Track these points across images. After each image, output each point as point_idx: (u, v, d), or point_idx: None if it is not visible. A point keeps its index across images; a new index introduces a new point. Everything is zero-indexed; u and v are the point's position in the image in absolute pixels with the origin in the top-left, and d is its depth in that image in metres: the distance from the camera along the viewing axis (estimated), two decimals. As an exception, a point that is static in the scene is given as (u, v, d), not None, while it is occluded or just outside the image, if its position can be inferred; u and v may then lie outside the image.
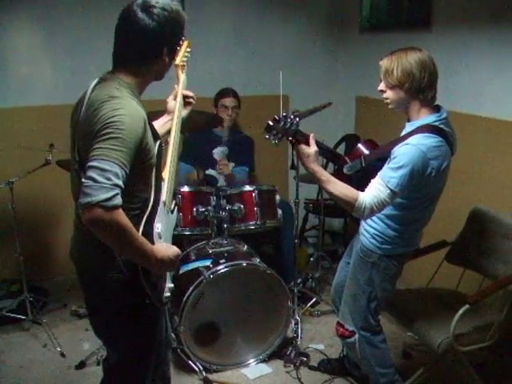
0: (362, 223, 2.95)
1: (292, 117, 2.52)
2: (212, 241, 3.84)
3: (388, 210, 2.75)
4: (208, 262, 3.63)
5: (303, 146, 2.59)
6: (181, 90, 2.56)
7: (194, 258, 3.80)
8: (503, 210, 3.33)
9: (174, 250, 2.15)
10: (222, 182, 4.57)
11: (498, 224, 3.23)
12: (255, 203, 3.82)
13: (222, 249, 3.78)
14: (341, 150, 4.92)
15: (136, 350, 2.31)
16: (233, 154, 4.61)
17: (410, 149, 2.53)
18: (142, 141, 1.98)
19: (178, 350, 3.62)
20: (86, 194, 1.81)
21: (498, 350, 3.13)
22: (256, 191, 3.85)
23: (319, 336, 4.06)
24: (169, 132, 2.48)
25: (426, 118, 2.66)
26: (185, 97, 2.62)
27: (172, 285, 2.32)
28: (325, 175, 2.60)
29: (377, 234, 2.83)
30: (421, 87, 2.61)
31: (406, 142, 2.58)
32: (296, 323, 3.94)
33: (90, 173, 1.83)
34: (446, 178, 2.76)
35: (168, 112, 2.61)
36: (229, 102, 4.47)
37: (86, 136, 1.95)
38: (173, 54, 2.22)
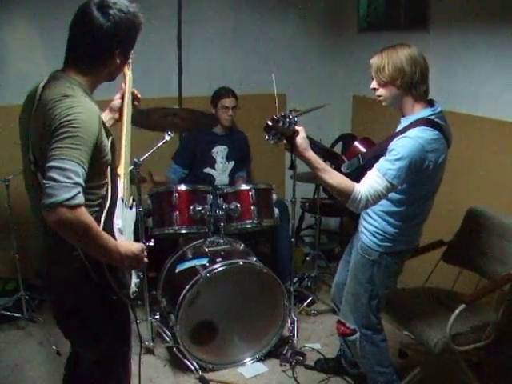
0: (361, 221, 2.95)
1: (291, 116, 2.50)
2: (209, 239, 3.84)
3: (387, 207, 2.76)
4: (205, 261, 3.64)
5: (297, 138, 2.53)
6: (129, 87, 2.54)
7: (190, 256, 3.80)
8: (500, 209, 3.33)
9: (138, 245, 2.20)
10: (218, 181, 4.58)
11: (494, 224, 3.23)
12: (252, 202, 3.82)
13: (218, 247, 3.79)
14: (338, 149, 4.92)
15: (113, 346, 2.35)
16: (232, 152, 4.63)
17: (408, 141, 2.54)
18: (98, 138, 1.99)
19: (175, 349, 3.64)
20: (48, 194, 1.82)
21: (494, 349, 3.13)
22: (253, 190, 3.85)
23: (315, 335, 4.06)
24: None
25: (421, 112, 2.67)
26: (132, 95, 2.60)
27: (138, 280, 2.37)
28: (320, 164, 2.56)
29: (377, 232, 2.83)
30: (413, 82, 2.62)
31: (403, 135, 2.58)
32: (292, 322, 3.93)
33: (50, 173, 1.84)
34: (443, 172, 2.76)
35: (111, 110, 2.57)
36: (229, 102, 4.48)
37: (42, 136, 1.96)
38: (126, 56, 2.21)
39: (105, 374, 2.40)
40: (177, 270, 3.75)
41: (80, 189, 1.86)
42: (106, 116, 2.55)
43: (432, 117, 2.64)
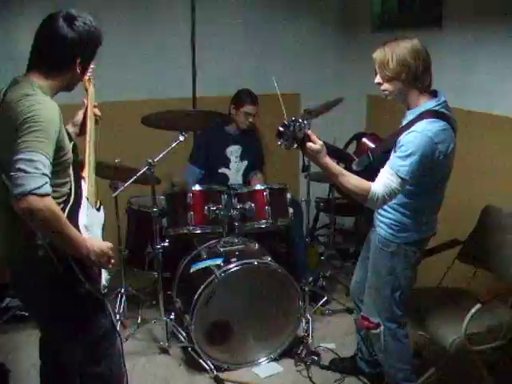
0: (377, 216, 2.96)
1: (300, 120, 2.52)
2: (223, 239, 3.84)
3: (400, 199, 2.77)
4: (219, 261, 3.64)
5: (309, 144, 2.57)
6: (90, 102, 2.65)
7: (205, 256, 3.80)
8: (516, 208, 3.31)
9: (106, 243, 2.31)
10: (232, 180, 4.60)
11: (510, 222, 3.21)
12: (266, 202, 3.81)
13: (233, 247, 3.79)
14: (352, 148, 4.90)
15: (83, 340, 2.43)
16: (246, 152, 4.64)
17: (416, 136, 2.57)
18: (60, 134, 2.11)
19: (189, 349, 3.65)
20: (17, 184, 1.93)
21: (510, 349, 3.11)
22: (267, 190, 3.83)
23: (330, 335, 4.05)
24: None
25: (426, 103, 2.69)
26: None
27: (109, 276, 2.46)
28: (336, 169, 2.63)
29: (393, 224, 2.85)
30: (417, 75, 2.63)
31: (411, 129, 2.61)
32: (307, 322, 3.93)
33: (19, 165, 1.94)
34: (453, 160, 2.78)
35: (73, 124, 2.67)
36: (253, 109, 4.51)
37: (7, 135, 2.05)
38: (85, 66, 2.32)
39: (91, 365, 2.49)
40: (191, 270, 3.76)
41: (47, 179, 1.98)
42: (70, 129, 2.64)
43: (437, 107, 2.66)
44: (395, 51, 2.63)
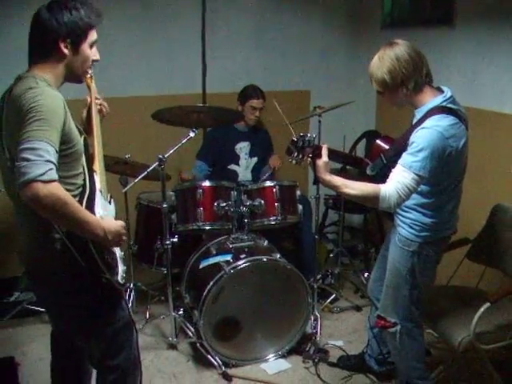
0: (397, 215, 2.90)
1: (309, 135, 2.57)
2: (233, 236, 3.85)
3: (418, 199, 2.75)
4: (228, 257, 3.65)
5: (316, 160, 2.63)
6: (94, 98, 2.62)
7: (214, 252, 3.81)
8: (526, 207, 3.29)
9: (119, 222, 2.27)
10: (242, 177, 4.61)
11: (520, 221, 3.20)
12: (276, 198, 3.81)
13: (242, 244, 3.79)
14: (361, 145, 4.91)
15: (104, 333, 2.41)
16: (255, 149, 4.65)
17: (427, 132, 2.54)
18: (64, 122, 2.08)
19: (198, 345, 3.65)
20: (21, 173, 1.89)
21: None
22: (277, 186, 3.84)
23: (338, 332, 4.06)
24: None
25: (433, 100, 2.66)
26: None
27: (125, 267, 2.45)
28: (338, 181, 2.64)
29: (414, 223, 2.80)
30: (405, 81, 2.62)
31: (420, 126, 2.58)
32: (315, 319, 3.94)
33: (22, 154, 1.91)
34: (467, 156, 2.75)
35: (80, 122, 2.64)
36: (257, 103, 4.51)
37: (13, 129, 2.04)
38: (76, 49, 2.26)
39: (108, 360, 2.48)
40: (201, 266, 3.77)
41: (52, 166, 1.93)
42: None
43: (444, 103, 2.64)
44: (377, 66, 2.67)
